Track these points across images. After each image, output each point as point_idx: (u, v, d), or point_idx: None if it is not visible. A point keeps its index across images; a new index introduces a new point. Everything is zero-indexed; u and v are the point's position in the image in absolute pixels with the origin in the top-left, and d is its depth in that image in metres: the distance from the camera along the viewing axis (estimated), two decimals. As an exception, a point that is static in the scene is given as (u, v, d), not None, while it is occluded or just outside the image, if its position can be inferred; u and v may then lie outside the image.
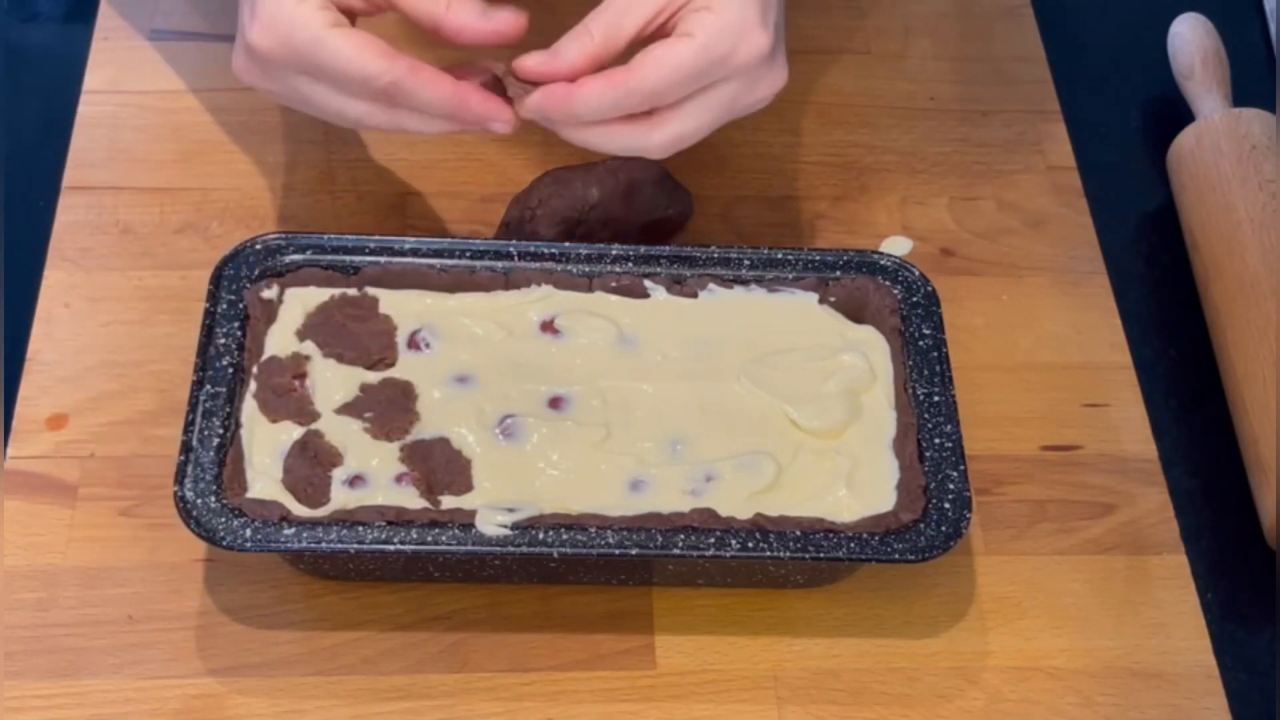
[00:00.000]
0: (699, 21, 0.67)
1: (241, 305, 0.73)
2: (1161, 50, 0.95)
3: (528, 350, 0.74)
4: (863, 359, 0.75)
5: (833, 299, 0.77)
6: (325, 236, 0.76)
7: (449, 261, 0.76)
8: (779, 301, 0.77)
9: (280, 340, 0.74)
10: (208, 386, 0.70)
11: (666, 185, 0.82)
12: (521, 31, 0.69)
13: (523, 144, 0.88)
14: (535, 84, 0.69)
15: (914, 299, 0.76)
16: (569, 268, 0.77)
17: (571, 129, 0.69)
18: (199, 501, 0.67)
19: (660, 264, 0.77)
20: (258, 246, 0.75)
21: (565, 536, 0.67)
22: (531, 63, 0.69)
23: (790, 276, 0.77)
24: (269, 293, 0.74)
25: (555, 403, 0.73)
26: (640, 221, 0.82)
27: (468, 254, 0.76)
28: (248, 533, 0.66)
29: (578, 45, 0.68)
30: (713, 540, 0.68)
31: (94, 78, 0.90)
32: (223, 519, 0.67)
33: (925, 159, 0.91)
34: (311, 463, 0.70)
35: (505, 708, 0.70)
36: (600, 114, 0.68)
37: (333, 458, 0.70)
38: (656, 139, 0.69)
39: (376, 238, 0.77)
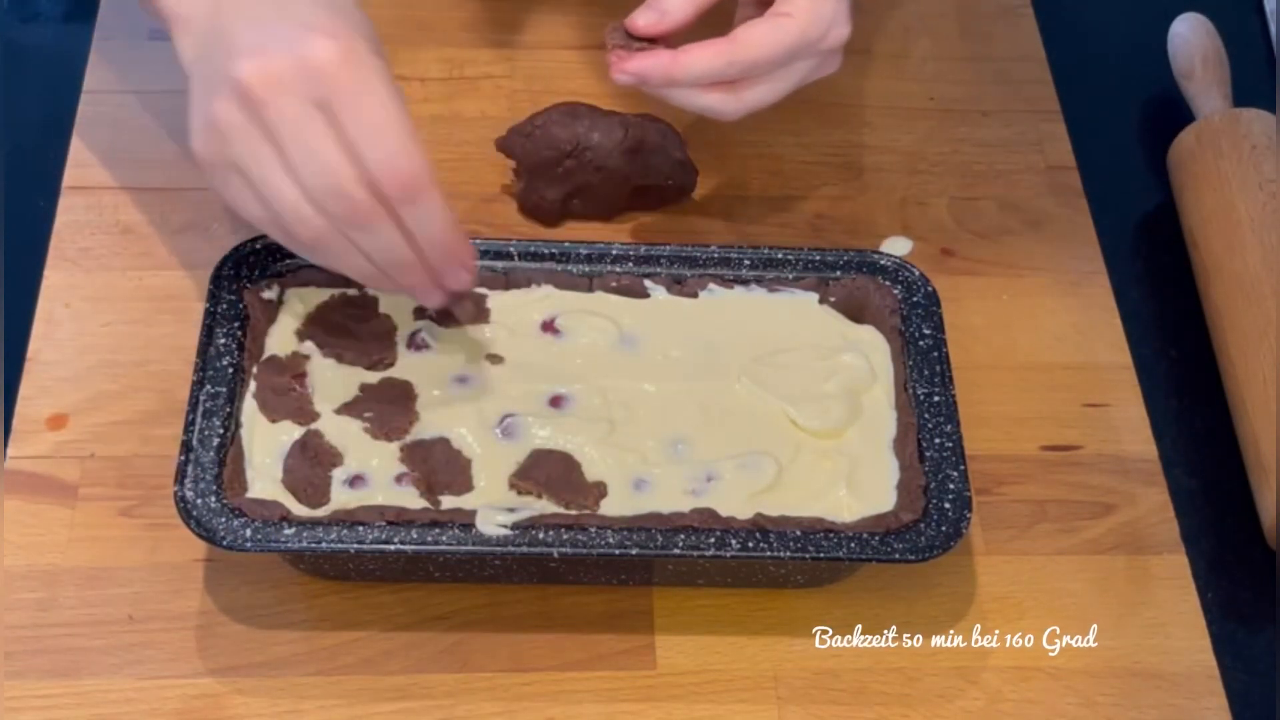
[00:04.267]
0: (798, 4, 0.73)
1: (241, 305, 0.73)
2: (1161, 50, 0.95)
3: (528, 350, 0.74)
4: (863, 359, 0.75)
5: (833, 299, 0.77)
6: (325, 236, 0.76)
7: (449, 261, 0.76)
8: (779, 301, 0.77)
9: (280, 340, 0.74)
10: (208, 386, 0.70)
11: (674, 157, 0.84)
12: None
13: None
14: (639, 39, 0.73)
15: (914, 299, 0.76)
16: (569, 267, 0.77)
17: (664, 89, 0.74)
18: (199, 501, 0.67)
19: (660, 264, 0.77)
20: (258, 246, 0.75)
21: (565, 536, 0.67)
22: (642, 21, 0.73)
23: (790, 276, 0.77)
24: (269, 293, 0.74)
25: (556, 402, 0.73)
26: (638, 182, 0.84)
27: (468, 254, 0.76)
28: (248, 533, 0.66)
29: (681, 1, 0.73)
30: (713, 540, 0.68)
31: (94, 78, 0.90)
32: (223, 519, 0.67)
33: (925, 159, 0.91)
34: (311, 463, 0.70)
35: (505, 708, 0.70)
36: (698, 81, 0.73)
37: (333, 458, 0.70)
38: (734, 106, 0.74)
39: (376, 238, 0.76)
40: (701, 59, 0.72)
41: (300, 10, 0.65)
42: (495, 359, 0.74)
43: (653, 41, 0.74)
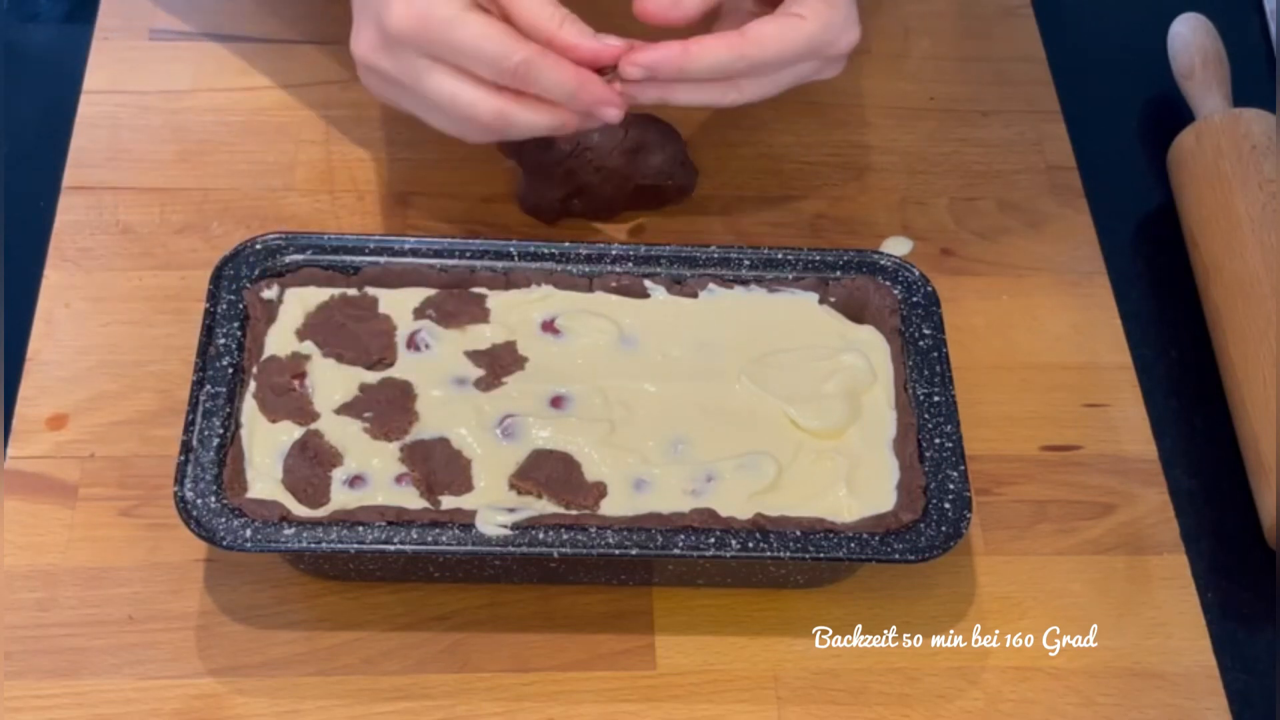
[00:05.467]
0: (812, 7, 0.73)
1: (241, 305, 0.73)
2: (1161, 50, 0.95)
3: (528, 350, 0.74)
4: (863, 359, 0.75)
5: (833, 299, 0.77)
6: (325, 236, 0.76)
7: (449, 261, 0.76)
8: (779, 301, 0.77)
9: (280, 340, 0.74)
10: (208, 386, 0.70)
11: (676, 157, 0.84)
12: (621, 54, 0.71)
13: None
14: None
15: (914, 299, 0.76)
16: (569, 268, 0.77)
17: (666, 85, 0.73)
18: (199, 501, 0.67)
19: (660, 264, 0.77)
20: (258, 246, 0.75)
21: (565, 536, 0.67)
22: (653, 7, 0.72)
23: (790, 276, 0.77)
24: (269, 293, 0.74)
25: (556, 402, 0.73)
26: (638, 182, 0.84)
27: (468, 254, 0.76)
28: (248, 533, 0.66)
29: None
30: (713, 540, 0.68)
31: (94, 78, 0.90)
32: (223, 519, 0.67)
33: (925, 159, 0.91)
34: (311, 463, 0.70)
35: (505, 708, 0.70)
36: (708, 75, 0.72)
37: (333, 458, 0.70)
38: (731, 98, 0.74)
39: (376, 238, 0.77)
40: (713, 50, 0.71)
41: None
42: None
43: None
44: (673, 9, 0.72)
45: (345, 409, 0.72)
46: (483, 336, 0.75)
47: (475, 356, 0.74)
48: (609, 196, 0.84)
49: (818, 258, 0.78)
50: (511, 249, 0.77)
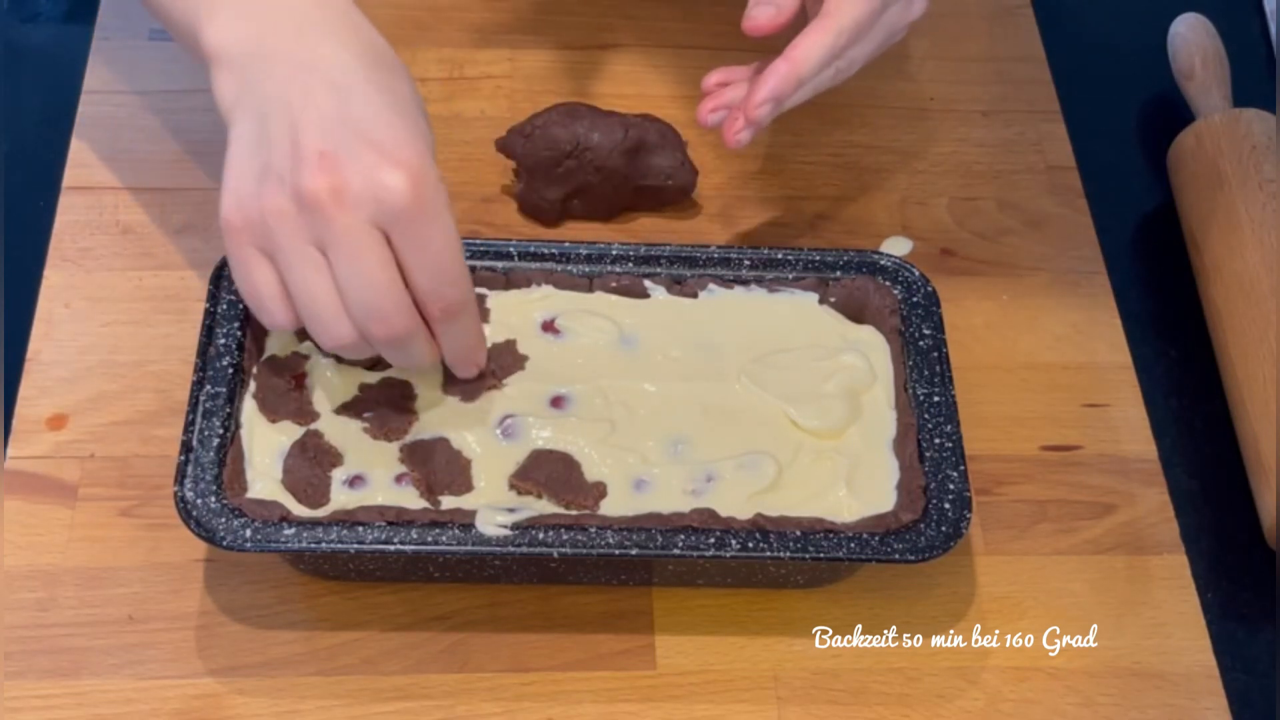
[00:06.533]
0: None
1: (241, 305, 0.73)
2: (1161, 50, 0.95)
3: (528, 350, 0.74)
4: (863, 359, 0.75)
5: (833, 299, 0.77)
6: (325, 236, 0.76)
7: (449, 261, 0.76)
8: (779, 301, 0.77)
9: (280, 340, 0.74)
10: (208, 386, 0.70)
11: (676, 157, 0.84)
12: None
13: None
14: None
15: (914, 299, 0.76)
16: (569, 268, 0.77)
17: (790, 100, 0.74)
18: (199, 501, 0.67)
19: (660, 264, 0.77)
20: (258, 246, 0.75)
21: (565, 536, 0.67)
22: (764, 19, 0.73)
23: (790, 276, 0.77)
24: (269, 293, 0.74)
25: (556, 402, 0.73)
26: (638, 182, 0.84)
27: (468, 254, 0.76)
28: (248, 533, 0.66)
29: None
30: (713, 540, 0.68)
31: (94, 78, 0.90)
32: (223, 519, 0.67)
33: (925, 159, 0.91)
34: (311, 463, 0.70)
35: (505, 708, 0.70)
36: (820, 65, 0.72)
37: (333, 458, 0.70)
38: (844, 74, 0.75)
39: (376, 238, 0.76)
40: (814, 44, 0.72)
41: (365, 107, 0.64)
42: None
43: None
44: (777, 16, 0.73)
45: (345, 409, 0.72)
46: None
47: None
48: (609, 196, 0.84)
49: (818, 258, 0.78)
50: (511, 249, 0.77)
